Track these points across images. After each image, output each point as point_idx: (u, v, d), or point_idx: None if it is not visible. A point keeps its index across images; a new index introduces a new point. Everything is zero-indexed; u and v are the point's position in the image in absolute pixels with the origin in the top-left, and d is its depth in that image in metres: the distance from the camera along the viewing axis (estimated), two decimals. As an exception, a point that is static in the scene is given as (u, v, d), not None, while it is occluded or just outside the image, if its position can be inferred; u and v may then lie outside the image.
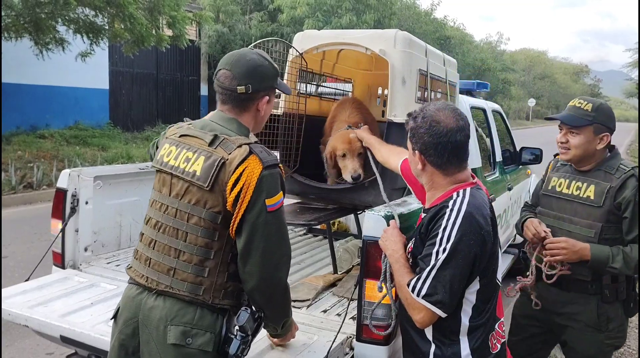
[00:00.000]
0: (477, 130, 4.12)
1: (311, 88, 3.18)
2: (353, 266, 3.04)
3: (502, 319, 1.83)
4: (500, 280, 1.86)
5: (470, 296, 1.71)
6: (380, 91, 3.55)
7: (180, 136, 1.78)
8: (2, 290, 2.49)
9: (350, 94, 3.50)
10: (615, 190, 2.27)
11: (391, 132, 2.59)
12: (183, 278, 1.68)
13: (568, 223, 2.39)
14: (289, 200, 3.03)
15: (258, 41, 2.82)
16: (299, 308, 2.47)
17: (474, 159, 3.69)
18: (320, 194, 2.79)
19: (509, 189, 4.48)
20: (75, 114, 13.79)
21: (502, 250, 4.90)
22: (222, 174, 1.65)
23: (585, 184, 2.35)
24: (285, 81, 2.86)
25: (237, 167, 1.63)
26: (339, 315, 2.43)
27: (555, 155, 2.62)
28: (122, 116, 15.73)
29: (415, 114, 1.77)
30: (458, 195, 1.72)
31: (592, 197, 2.31)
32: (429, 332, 1.75)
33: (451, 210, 1.67)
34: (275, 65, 1.87)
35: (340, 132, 2.79)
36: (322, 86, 3.28)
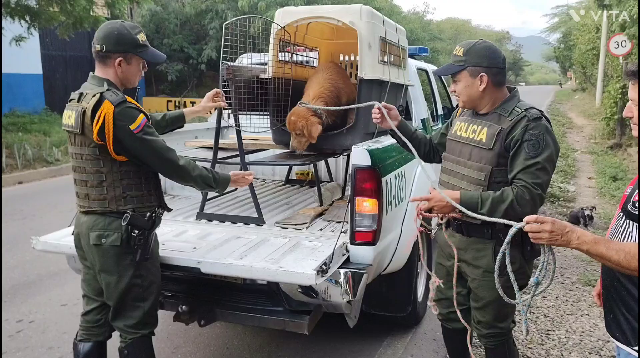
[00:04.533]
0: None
1: (288, 56, 3.76)
2: (333, 201, 3.71)
3: None
4: None
5: None
6: (341, 57, 4.17)
7: (69, 101, 2.40)
8: (58, 232, 2.99)
9: (316, 60, 4.10)
10: (506, 132, 2.24)
11: (362, 87, 3.23)
12: (93, 198, 2.37)
13: (463, 166, 2.39)
14: (279, 150, 3.64)
15: (237, 18, 3.36)
16: (300, 229, 3.12)
17: (422, 111, 4.42)
18: (305, 142, 3.41)
19: (450, 138, 5.27)
20: (9, 101, 13.48)
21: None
22: (85, 119, 2.26)
23: (479, 127, 2.34)
24: (271, 51, 3.43)
25: (95, 111, 2.24)
26: (332, 231, 3.10)
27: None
28: (58, 101, 15.44)
29: None
30: None
31: (484, 140, 2.29)
32: None
33: None
34: (138, 37, 2.37)
35: (299, 110, 3.22)
36: (297, 54, 3.86)
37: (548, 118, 2.30)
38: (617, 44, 13.54)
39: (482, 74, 2.30)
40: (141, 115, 2.32)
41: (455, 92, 2.45)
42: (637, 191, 1.69)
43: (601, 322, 3.94)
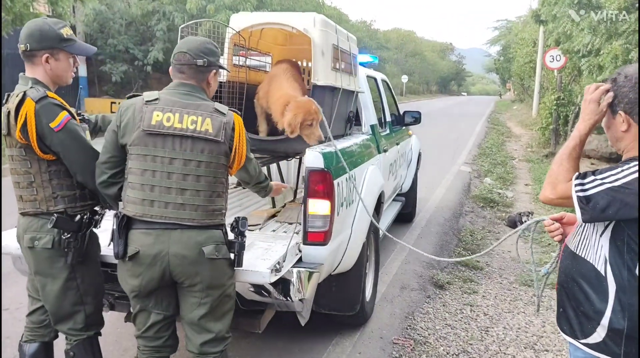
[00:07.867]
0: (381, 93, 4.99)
1: (242, 60, 3.82)
2: (285, 203, 3.79)
3: None
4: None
5: None
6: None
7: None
8: (4, 233, 2.92)
9: (269, 65, 4.17)
10: None
11: (315, 92, 3.33)
12: (26, 199, 2.35)
13: None
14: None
15: (192, 22, 3.39)
16: (253, 230, 3.18)
17: (372, 117, 4.57)
18: (258, 146, 3.48)
19: (397, 144, 5.46)
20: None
21: (391, 198, 5.89)
22: (10, 119, 2.23)
23: None
24: (225, 55, 3.48)
25: (18, 110, 2.20)
26: (285, 232, 3.18)
27: None
28: (-6, 100, 14.85)
29: (614, 76, 1.77)
30: None
31: None
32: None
33: None
34: (62, 32, 2.33)
35: (303, 102, 3.13)
36: (250, 59, 3.92)
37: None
38: (552, 58, 14.29)
39: None
40: (63, 112, 2.27)
41: None
42: None
43: (535, 319, 4.20)
